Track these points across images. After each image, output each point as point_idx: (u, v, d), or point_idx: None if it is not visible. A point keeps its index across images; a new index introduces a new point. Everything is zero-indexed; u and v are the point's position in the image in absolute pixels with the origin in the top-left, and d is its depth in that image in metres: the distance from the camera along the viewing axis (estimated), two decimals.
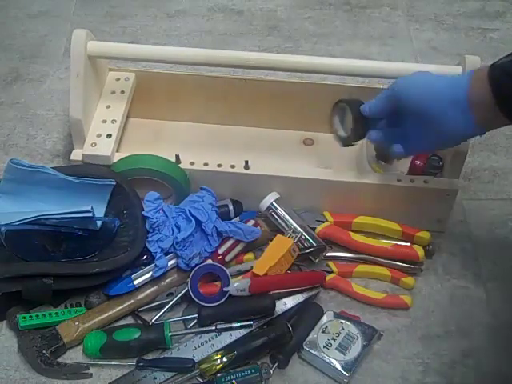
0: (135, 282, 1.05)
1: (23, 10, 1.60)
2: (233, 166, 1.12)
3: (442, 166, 1.14)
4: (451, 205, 1.14)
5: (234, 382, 0.96)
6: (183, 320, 1.03)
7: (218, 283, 1.05)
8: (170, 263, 1.07)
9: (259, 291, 1.01)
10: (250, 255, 1.11)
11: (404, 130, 1.00)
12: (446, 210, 1.15)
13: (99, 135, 1.14)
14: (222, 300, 1.02)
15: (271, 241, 1.09)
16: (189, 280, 1.04)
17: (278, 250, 1.06)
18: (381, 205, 1.13)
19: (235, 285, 1.01)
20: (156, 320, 1.02)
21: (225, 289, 1.02)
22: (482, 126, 0.92)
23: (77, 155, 1.13)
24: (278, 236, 1.09)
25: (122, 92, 1.21)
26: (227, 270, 1.05)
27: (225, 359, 0.97)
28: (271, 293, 1.02)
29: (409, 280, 1.10)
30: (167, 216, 1.08)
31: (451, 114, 0.92)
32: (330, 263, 1.11)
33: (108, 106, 1.19)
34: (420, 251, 1.10)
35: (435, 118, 0.94)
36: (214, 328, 1.00)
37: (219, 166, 1.12)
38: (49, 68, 1.46)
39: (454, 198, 1.12)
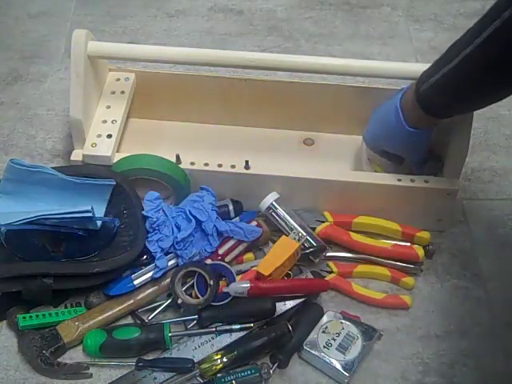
0: (135, 282, 1.05)
1: (23, 9, 1.60)
2: (233, 166, 1.12)
3: (442, 165, 1.14)
4: (452, 204, 1.14)
5: (233, 382, 0.96)
6: (183, 321, 1.03)
7: (223, 283, 1.05)
8: (170, 263, 1.07)
9: (259, 295, 1.02)
10: (249, 255, 1.11)
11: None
12: (447, 209, 1.15)
13: (99, 135, 1.14)
14: (227, 300, 1.02)
15: (274, 241, 1.09)
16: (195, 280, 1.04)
17: (284, 251, 1.06)
18: (381, 204, 1.13)
19: (234, 288, 1.01)
20: (154, 319, 1.02)
21: (224, 289, 1.02)
22: (413, 125, 1.04)
23: (77, 155, 1.13)
24: (284, 237, 1.09)
25: (122, 92, 1.21)
26: (232, 269, 1.06)
27: (225, 359, 0.97)
28: None
29: (409, 280, 1.10)
30: (167, 216, 1.08)
31: (393, 124, 1.06)
32: (330, 263, 1.11)
33: (108, 107, 1.19)
34: (420, 251, 1.10)
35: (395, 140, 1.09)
36: (214, 329, 1.00)
37: (220, 166, 1.12)
38: (49, 68, 1.46)
39: (454, 197, 1.12)
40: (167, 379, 0.98)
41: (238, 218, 1.13)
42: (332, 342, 1.01)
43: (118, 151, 1.14)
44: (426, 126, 1.05)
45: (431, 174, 1.13)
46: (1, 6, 1.61)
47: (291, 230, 1.11)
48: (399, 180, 1.11)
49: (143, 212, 1.07)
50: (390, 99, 1.08)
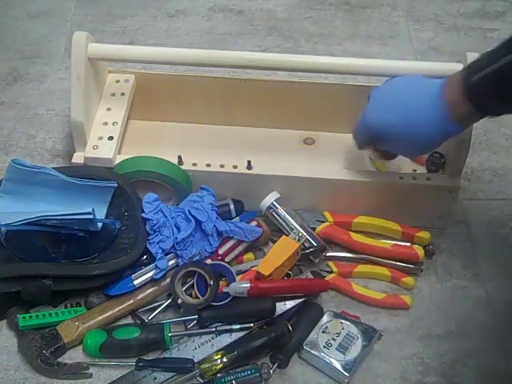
0: (135, 282, 1.05)
1: (23, 9, 1.60)
2: (235, 167, 1.12)
3: (444, 163, 1.14)
4: (453, 202, 1.14)
5: (233, 382, 0.96)
6: (183, 321, 1.03)
7: (223, 283, 1.05)
8: (170, 263, 1.07)
9: (259, 295, 1.02)
10: (249, 255, 1.11)
11: (390, 148, 1.06)
12: (449, 207, 1.15)
13: (100, 138, 1.14)
14: (227, 300, 1.02)
15: (274, 241, 1.09)
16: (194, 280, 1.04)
17: (284, 251, 1.06)
18: (383, 203, 1.13)
19: (234, 288, 1.01)
20: (154, 319, 1.02)
21: (224, 289, 1.02)
22: (457, 122, 0.94)
23: (79, 158, 1.13)
24: (284, 237, 1.09)
25: (122, 94, 1.21)
26: (232, 269, 1.06)
27: (225, 359, 0.97)
28: None
29: (409, 280, 1.10)
30: (166, 217, 1.08)
31: (427, 117, 0.95)
32: (330, 263, 1.11)
33: (108, 109, 1.19)
34: (420, 251, 1.10)
35: (414, 129, 0.97)
36: (214, 329, 1.00)
37: (222, 166, 1.12)
38: (49, 68, 1.46)
39: (456, 195, 1.12)
40: (167, 379, 0.98)
41: (238, 217, 1.14)
42: (332, 341, 1.01)
43: (119, 153, 1.14)
44: (469, 124, 0.98)
45: (433, 172, 1.14)
46: (1, 6, 1.61)
47: (291, 229, 1.11)
48: (401, 178, 1.11)
49: (143, 215, 1.07)
50: (407, 85, 1.01)
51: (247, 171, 1.12)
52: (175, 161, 1.12)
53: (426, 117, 0.96)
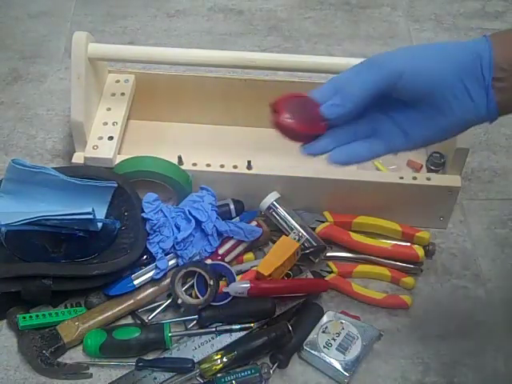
0: (135, 282, 1.05)
1: (23, 9, 1.60)
2: (235, 167, 1.12)
3: (443, 162, 1.14)
4: (454, 202, 1.14)
5: (233, 382, 0.96)
6: (183, 321, 1.03)
7: (223, 283, 1.05)
8: (170, 263, 1.07)
9: (259, 295, 1.02)
10: (249, 255, 1.11)
11: (393, 120, 0.75)
12: (449, 207, 1.15)
13: (100, 138, 1.14)
14: (227, 300, 1.02)
15: (274, 241, 1.09)
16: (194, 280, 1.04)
17: (284, 251, 1.06)
18: (383, 203, 1.13)
19: (234, 288, 1.01)
20: (154, 319, 1.02)
21: (224, 289, 1.02)
22: (502, 106, 0.74)
23: (79, 158, 1.13)
24: (284, 237, 1.08)
25: (122, 94, 1.21)
26: (232, 269, 1.06)
27: (225, 359, 0.97)
28: None
29: (409, 280, 1.10)
30: (167, 216, 1.08)
31: (469, 90, 0.70)
32: (330, 263, 1.11)
33: (108, 109, 1.19)
34: (420, 251, 1.10)
35: (447, 97, 0.71)
36: (214, 329, 1.00)
37: (222, 166, 1.12)
38: (49, 68, 1.46)
39: (456, 194, 1.12)
40: (167, 379, 0.98)
41: (238, 217, 1.14)
42: (332, 342, 1.01)
43: (119, 153, 1.14)
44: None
45: (433, 172, 1.14)
46: (1, 6, 1.61)
47: (291, 229, 1.11)
48: (401, 178, 1.11)
49: (143, 214, 1.07)
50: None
51: (247, 171, 1.12)
52: (175, 161, 1.12)
53: (470, 104, 0.71)
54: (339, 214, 1.14)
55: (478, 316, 1.08)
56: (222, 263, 1.07)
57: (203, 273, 1.03)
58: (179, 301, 1.02)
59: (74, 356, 1.02)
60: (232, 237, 1.08)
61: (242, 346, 0.99)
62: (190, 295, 1.04)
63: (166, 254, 1.06)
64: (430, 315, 1.08)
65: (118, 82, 1.23)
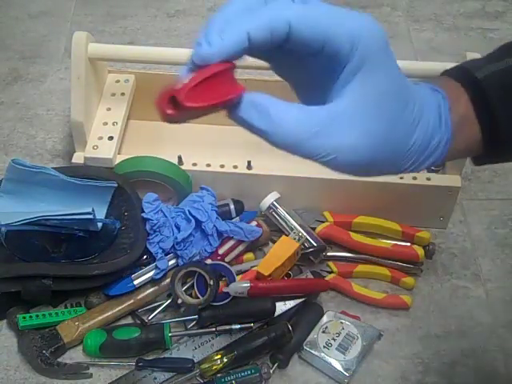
0: (135, 282, 1.05)
1: (23, 9, 1.60)
2: (235, 167, 1.12)
3: (443, 163, 1.14)
4: (454, 202, 1.14)
5: (233, 382, 0.96)
6: (183, 321, 1.03)
7: (223, 283, 1.05)
8: (170, 263, 1.07)
9: (259, 295, 1.02)
10: (249, 255, 1.11)
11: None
12: (449, 207, 1.15)
13: (100, 138, 1.14)
14: (227, 300, 1.02)
15: (274, 241, 1.09)
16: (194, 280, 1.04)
17: (284, 251, 1.06)
18: (383, 203, 1.13)
19: (234, 288, 1.01)
20: (154, 319, 1.02)
21: (224, 289, 1.02)
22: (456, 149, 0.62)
23: (79, 158, 1.13)
24: (284, 237, 1.08)
25: (122, 94, 1.21)
26: (232, 269, 1.06)
27: (225, 359, 0.97)
28: None
29: (409, 280, 1.10)
30: (167, 216, 1.08)
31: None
32: (330, 263, 1.11)
33: (108, 109, 1.19)
34: (420, 251, 1.10)
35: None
36: (214, 329, 1.00)
37: (222, 166, 1.12)
38: (49, 68, 1.46)
39: (456, 194, 1.12)
40: (167, 379, 0.98)
41: (238, 217, 1.14)
42: (332, 341, 1.01)
43: (119, 153, 1.14)
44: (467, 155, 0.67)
45: (433, 172, 1.14)
46: (1, 6, 1.61)
47: (291, 229, 1.11)
48: (401, 178, 1.11)
49: (143, 214, 1.07)
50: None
51: (247, 171, 1.12)
52: (175, 161, 1.12)
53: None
54: (339, 214, 1.14)
55: (478, 316, 1.08)
56: (222, 263, 1.06)
57: (203, 273, 1.03)
58: (179, 301, 1.02)
59: (74, 356, 1.02)
60: (232, 237, 1.08)
61: (241, 346, 0.99)
62: (190, 295, 1.04)
63: (166, 254, 1.06)
64: (430, 315, 1.08)
65: (118, 82, 1.23)
